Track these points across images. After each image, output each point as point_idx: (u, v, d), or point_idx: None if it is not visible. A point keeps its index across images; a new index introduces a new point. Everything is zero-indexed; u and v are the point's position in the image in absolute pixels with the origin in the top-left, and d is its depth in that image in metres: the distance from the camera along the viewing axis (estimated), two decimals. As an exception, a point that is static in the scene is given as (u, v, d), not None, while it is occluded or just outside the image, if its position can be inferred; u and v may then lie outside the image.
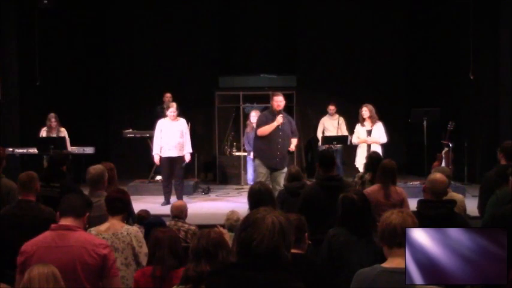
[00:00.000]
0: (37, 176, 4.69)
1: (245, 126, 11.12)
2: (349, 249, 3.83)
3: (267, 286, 2.17)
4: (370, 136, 8.73)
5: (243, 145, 11.42)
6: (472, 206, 6.27)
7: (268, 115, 7.87)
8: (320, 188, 5.11)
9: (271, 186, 6.79)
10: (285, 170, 7.69)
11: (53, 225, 3.52)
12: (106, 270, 3.43)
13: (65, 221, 3.51)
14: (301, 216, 3.52)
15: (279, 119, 7.65)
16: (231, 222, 5.33)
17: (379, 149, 8.43)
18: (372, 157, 6.32)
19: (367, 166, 6.24)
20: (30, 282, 2.91)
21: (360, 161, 8.34)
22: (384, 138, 8.76)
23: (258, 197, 4.45)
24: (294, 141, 7.95)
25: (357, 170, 8.49)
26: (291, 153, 8.03)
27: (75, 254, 3.36)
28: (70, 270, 3.31)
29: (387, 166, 5.36)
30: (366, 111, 8.73)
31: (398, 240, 2.81)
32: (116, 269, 3.57)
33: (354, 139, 8.96)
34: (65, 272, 3.23)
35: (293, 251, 3.30)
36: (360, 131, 8.83)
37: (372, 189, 5.23)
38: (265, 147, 7.80)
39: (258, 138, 7.92)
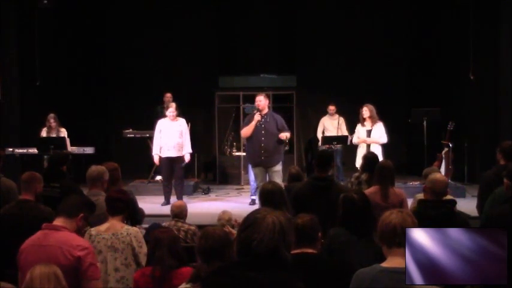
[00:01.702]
0: (40, 177, 4.69)
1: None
2: (349, 249, 3.82)
3: (267, 286, 2.17)
4: (370, 136, 8.72)
5: (244, 145, 11.42)
6: (471, 206, 6.27)
7: (250, 117, 8.15)
8: (310, 187, 5.11)
9: None
10: (277, 168, 7.85)
11: (43, 225, 3.58)
12: (81, 272, 3.42)
13: (57, 221, 3.57)
14: (313, 216, 3.50)
15: (256, 117, 7.90)
16: (223, 222, 5.33)
17: (379, 149, 8.43)
18: (367, 157, 6.32)
19: (363, 166, 6.24)
20: (32, 281, 2.92)
21: (360, 162, 8.34)
22: (384, 139, 8.74)
23: (269, 196, 4.42)
24: (282, 134, 8.03)
25: (357, 170, 8.47)
26: (282, 142, 8.06)
27: (51, 254, 3.39)
28: None
29: (385, 167, 5.34)
30: (366, 111, 8.72)
31: (398, 239, 2.81)
32: (94, 272, 3.48)
33: (354, 139, 8.96)
34: None
35: (308, 250, 3.34)
36: (360, 131, 8.82)
37: (369, 191, 5.18)
38: (250, 147, 8.16)
39: (246, 140, 8.28)
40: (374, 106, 8.87)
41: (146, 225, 5.74)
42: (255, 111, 8.11)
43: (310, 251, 3.36)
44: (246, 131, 8.06)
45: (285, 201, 4.52)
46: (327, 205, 4.21)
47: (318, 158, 5.39)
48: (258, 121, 7.91)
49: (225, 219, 5.36)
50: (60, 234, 3.49)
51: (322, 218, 4.11)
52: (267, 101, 8.15)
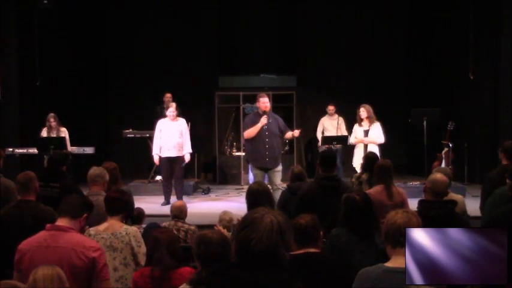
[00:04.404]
0: (35, 176, 4.68)
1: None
2: (350, 249, 3.82)
3: (266, 286, 2.17)
4: (368, 136, 8.72)
5: (243, 145, 11.41)
6: (471, 205, 6.27)
7: (253, 117, 7.97)
8: (317, 188, 5.08)
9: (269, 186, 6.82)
10: (279, 168, 7.78)
11: (47, 225, 3.53)
12: (95, 274, 3.41)
13: (61, 222, 3.53)
14: (314, 215, 3.50)
15: (263, 120, 7.75)
16: (224, 223, 5.32)
17: (376, 149, 8.42)
18: (368, 157, 6.31)
19: (363, 166, 6.23)
20: (36, 283, 2.90)
21: (357, 161, 8.34)
22: (381, 139, 8.74)
23: (256, 196, 4.44)
24: (289, 133, 8.00)
25: (354, 170, 8.48)
26: (286, 143, 7.99)
27: (64, 256, 3.36)
28: None
29: (384, 166, 5.33)
30: (363, 111, 8.73)
31: (403, 239, 2.79)
32: (106, 272, 3.52)
33: (351, 139, 8.99)
34: None
35: (312, 250, 3.35)
36: (357, 131, 8.83)
37: (375, 190, 5.16)
38: (254, 149, 7.93)
39: (246, 141, 8.08)
40: (374, 106, 8.88)
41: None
42: (256, 111, 8.06)
43: (313, 250, 3.37)
44: (250, 133, 7.80)
45: (272, 201, 4.53)
46: (335, 205, 4.18)
47: (322, 158, 5.35)
48: (264, 124, 7.76)
49: (226, 220, 5.34)
50: (69, 235, 3.46)
51: (331, 218, 4.11)
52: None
